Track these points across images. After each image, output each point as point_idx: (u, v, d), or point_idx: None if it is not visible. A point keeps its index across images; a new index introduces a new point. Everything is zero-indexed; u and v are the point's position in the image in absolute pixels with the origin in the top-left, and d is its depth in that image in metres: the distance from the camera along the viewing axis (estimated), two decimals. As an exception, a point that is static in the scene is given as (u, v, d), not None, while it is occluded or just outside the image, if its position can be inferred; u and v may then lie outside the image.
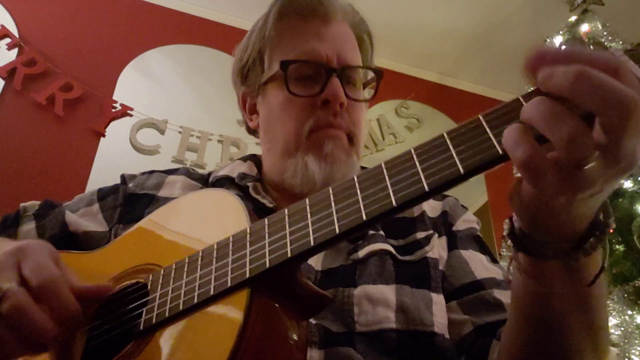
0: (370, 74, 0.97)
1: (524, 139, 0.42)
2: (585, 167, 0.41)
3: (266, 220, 0.58)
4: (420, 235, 0.86)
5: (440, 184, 0.47)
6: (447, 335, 0.78)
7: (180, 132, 2.98)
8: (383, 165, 0.52)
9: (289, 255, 0.53)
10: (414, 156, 0.50)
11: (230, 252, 0.57)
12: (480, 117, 0.48)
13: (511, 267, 0.57)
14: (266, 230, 0.57)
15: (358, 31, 0.96)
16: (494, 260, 0.89)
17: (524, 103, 0.46)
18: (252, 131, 1.03)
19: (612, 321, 1.91)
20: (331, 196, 0.54)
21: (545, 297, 0.57)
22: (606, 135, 0.40)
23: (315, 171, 0.83)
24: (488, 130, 0.46)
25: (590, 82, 0.40)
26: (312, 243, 0.52)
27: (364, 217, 0.50)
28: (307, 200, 0.56)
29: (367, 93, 0.96)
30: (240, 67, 0.96)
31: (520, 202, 0.48)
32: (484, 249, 0.90)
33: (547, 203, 0.46)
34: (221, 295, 0.55)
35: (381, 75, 0.94)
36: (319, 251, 0.54)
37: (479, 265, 0.85)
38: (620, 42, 2.46)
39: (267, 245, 0.55)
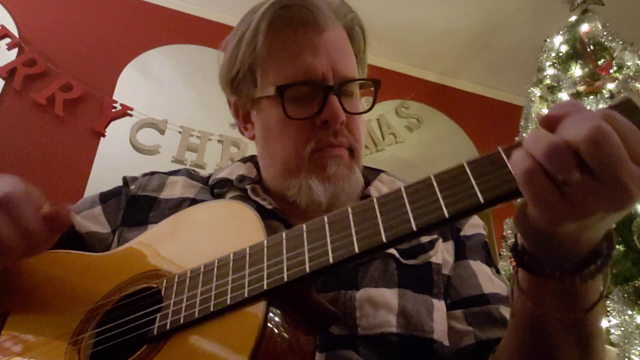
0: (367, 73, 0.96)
1: (528, 158, 0.44)
2: (573, 182, 0.43)
3: (284, 234, 0.59)
4: (425, 239, 0.85)
5: (461, 211, 0.49)
6: (446, 343, 0.77)
7: (180, 132, 2.99)
8: (403, 190, 0.53)
9: (307, 271, 0.54)
10: (435, 183, 0.51)
11: (247, 264, 0.58)
12: (500, 150, 0.49)
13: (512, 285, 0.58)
14: (284, 245, 0.57)
15: (351, 26, 0.93)
16: (498, 272, 0.89)
17: None
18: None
19: (612, 321, 1.91)
20: (350, 216, 0.55)
21: (540, 319, 0.58)
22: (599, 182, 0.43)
23: (320, 194, 0.83)
24: (508, 164, 0.48)
25: (566, 153, 0.43)
26: (331, 261, 0.53)
27: (384, 239, 0.51)
28: (325, 218, 0.57)
29: (364, 100, 0.94)
30: (229, 79, 0.92)
31: (525, 225, 0.50)
32: (490, 259, 0.90)
33: (550, 228, 0.47)
34: (237, 306, 0.55)
35: (379, 85, 0.92)
36: (337, 269, 0.55)
37: (486, 278, 0.84)
38: (620, 42, 2.46)
39: (285, 260, 0.56)
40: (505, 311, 0.80)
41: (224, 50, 0.95)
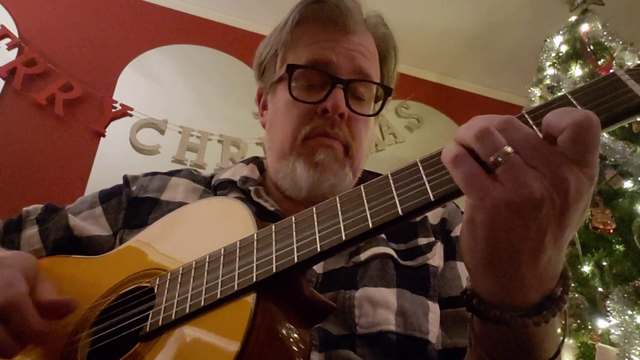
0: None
1: (455, 145, 0.46)
2: (501, 166, 0.44)
3: (273, 226, 0.59)
4: (422, 241, 0.86)
5: (446, 194, 0.49)
6: (437, 346, 0.77)
7: (180, 132, 2.99)
8: (390, 176, 0.53)
9: (296, 261, 0.54)
10: (420, 167, 0.52)
11: (238, 258, 0.58)
12: None
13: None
14: (273, 236, 0.58)
15: (383, 44, 0.96)
16: None
17: (529, 121, 0.50)
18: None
19: (612, 321, 1.91)
20: (338, 204, 0.55)
21: None
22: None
23: (302, 177, 0.83)
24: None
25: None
26: (318, 250, 0.53)
27: (371, 225, 0.51)
28: (314, 208, 0.57)
29: (378, 107, 0.95)
30: (258, 63, 0.97)
31: (470, 241, 0.48)
32: None
33: (490, 230, 0.46)
34: (228, 299, 0.55)
35: (390, 93, 0.94)
36: (326, 258, 0.55)
37: None
38: (620, 42, 2.46)
39: (274, 252, 0.56)
40: None
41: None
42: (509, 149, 0.44)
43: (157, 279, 0.64)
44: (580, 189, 0.43)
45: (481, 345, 0.54)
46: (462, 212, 0.93)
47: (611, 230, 2.09)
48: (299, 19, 0.90)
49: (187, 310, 0.57)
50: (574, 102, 0.49)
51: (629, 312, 1.89)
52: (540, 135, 0.46)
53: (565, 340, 0.53)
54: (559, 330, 0.54)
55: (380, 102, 0.94)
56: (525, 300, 0.49)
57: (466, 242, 0.49)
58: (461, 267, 0.85)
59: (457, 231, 0.90)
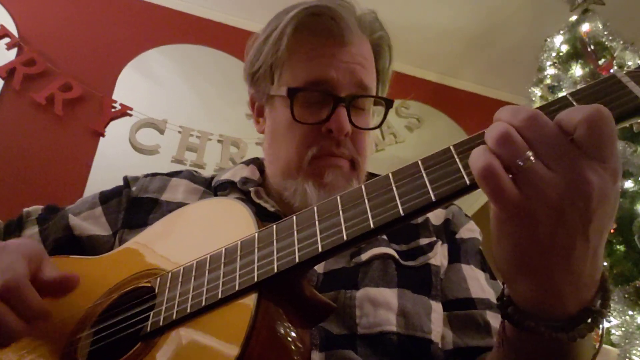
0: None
1: (486, 153, 0.44)
2: (525, 166, 0.43)
3: (274, 226, 0.59)
4: (424, 241, 0.86)
5: (447, 194, 0.48)
6: (440, 345, 0.77)
7: (180, 132, 2.98)
8: (390, 176, 0.53)
9: (297, 261, 0.54)
10: (421, 167, 0.51)
11: (239, 257, 0.58)
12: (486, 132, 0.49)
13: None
14: (274, 236, 0.57)
15: (378, 43, 0.95)
16: (493, 278, 0.88)
17: None
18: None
19: (613, 322, 1.91)
20: (339, 204, 0.55)
21: None
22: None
23: (313, 199, 0.83)
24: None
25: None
26: (320, 250, 0.53)
27: (372, 226, 0.51)
28: (314, 208, 0.57)
29: (376, 114, 0.94)
30: (251, 72, 0.96)
31: (500, 250, 0.47)
32: (484, 264, 0.89)
33: (517, 239, 0.45)
34: (229, 299, 0.55)
35: (391, 105, 0.93)
36: (327, 258, 0.55)
37: (476, 283, 0.84)
38: (621, 42, 2.46)
39: (275, 251, 0.56)
40: (491, 317, 0.79)
41: (252, 44, 0.97)
42: (531, 156, 0.43)
43: (158, 278, 0.64)
44: (604, 187, 0.42)
45: (512, 348, 0.53)
46: (466, 215, 0.94)
47: (611, 230, 2.09)
48: (294, 33, 0.87)
49: (188, 310, 0.57)
50: (574, 103, 0.48)
51: (630, 313, 1.89)
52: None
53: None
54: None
55: (379, 107, 0.94)
56: (563, 309, 0.47)
57: (496, 250, 0.48)
58: (466, 270, 0.85)
59: (461, 233, 0.90)
